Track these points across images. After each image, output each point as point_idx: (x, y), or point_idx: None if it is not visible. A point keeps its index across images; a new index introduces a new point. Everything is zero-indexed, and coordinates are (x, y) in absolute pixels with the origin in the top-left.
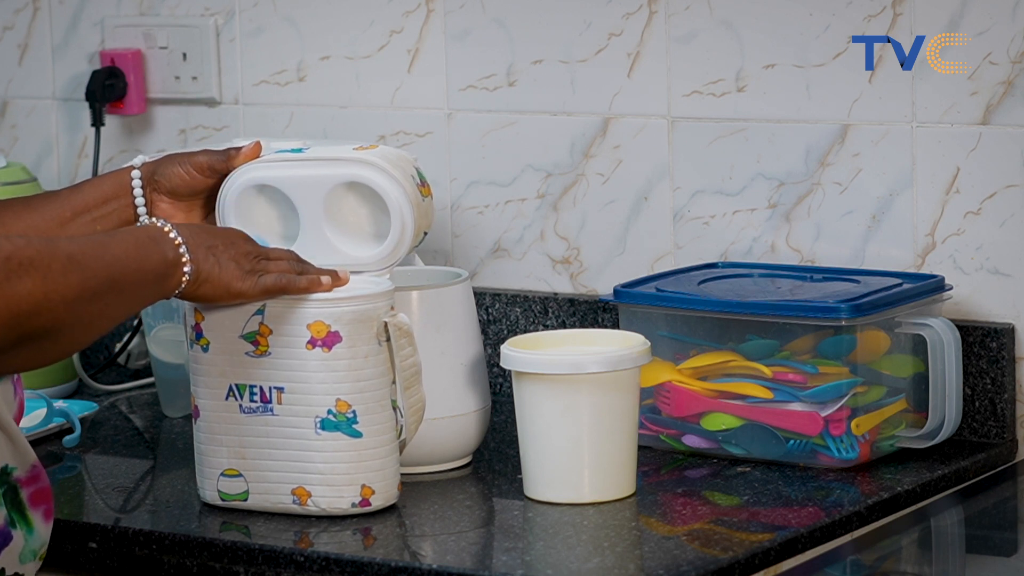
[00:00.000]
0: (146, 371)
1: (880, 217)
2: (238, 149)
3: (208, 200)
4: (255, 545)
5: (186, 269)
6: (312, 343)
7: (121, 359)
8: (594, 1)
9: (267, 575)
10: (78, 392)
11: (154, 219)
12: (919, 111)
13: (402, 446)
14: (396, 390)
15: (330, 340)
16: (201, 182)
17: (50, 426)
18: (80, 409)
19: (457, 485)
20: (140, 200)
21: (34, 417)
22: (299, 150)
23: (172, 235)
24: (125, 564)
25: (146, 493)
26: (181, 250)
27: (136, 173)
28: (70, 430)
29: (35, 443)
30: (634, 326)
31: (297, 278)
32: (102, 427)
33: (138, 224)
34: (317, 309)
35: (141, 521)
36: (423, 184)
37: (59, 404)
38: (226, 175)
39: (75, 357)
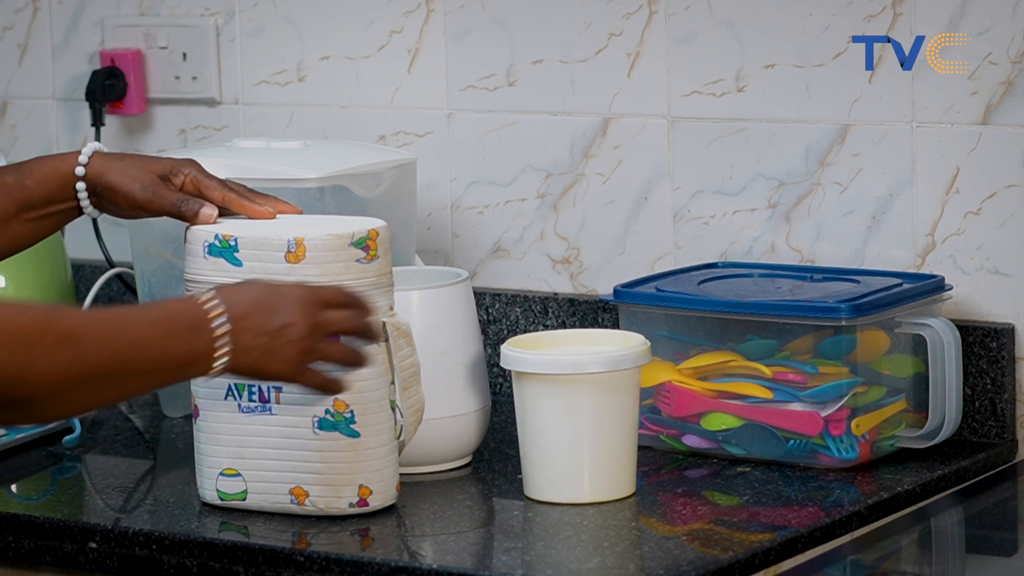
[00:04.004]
0: None
1: (880, 217)
2: (190, 204)
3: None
4: (255, 545)
5: (216, 364)
6: None
7: None
8: (594, 1)
9: (267, 575)
10: None
11: (202, 294)
12: (919, 111)
13: (401, 447)
14: (395, 390)
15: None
16: (142, 215)
17: (50, 426)
18: None
19: (457, 485)
20: (86, 205)
21: None
22: (232, 249)
23: (215, 323)
24: (125, 564)
25: (146, 493)
26: (217, 344)
27: (81, 186)
28: (70, 430)
29: (35, 443)
30: (634, 326)
31: (332, 383)
32: (102, 427)
33: (182, 295)
34: None
35: (141, 521)
36: (368, 250)
37: None
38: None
39: None
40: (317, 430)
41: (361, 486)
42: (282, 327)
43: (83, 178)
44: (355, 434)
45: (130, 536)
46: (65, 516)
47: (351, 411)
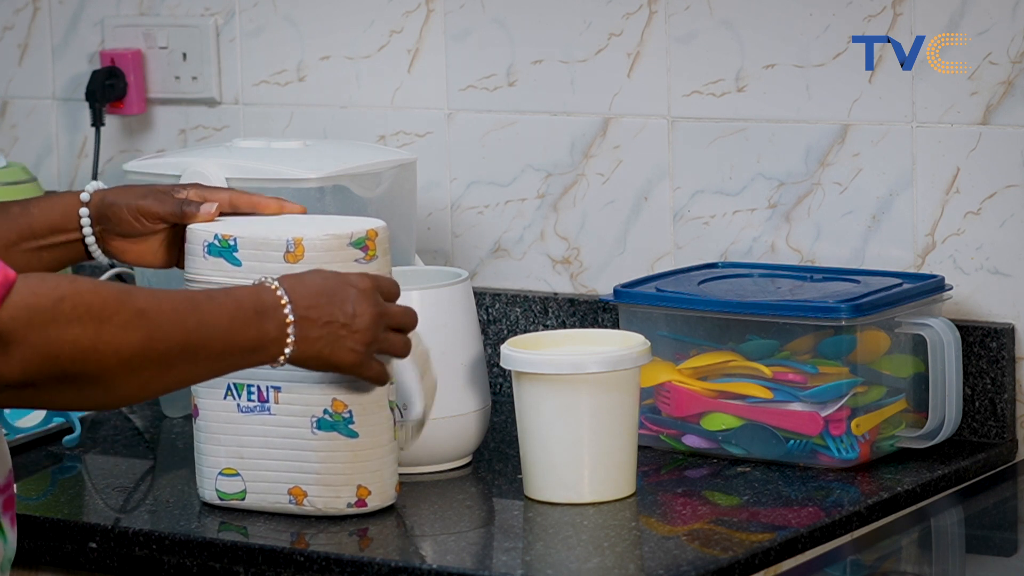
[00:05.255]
0: None
1: (880, 217)
2: (192, 205)
3: (163, 234)
4: (255, 545)
5: (287, 351)
6: None
7: None
8: (594, 1)
9: (267, 575)
10: None
11: (267, 280)
12: (919, 111)
13: (421, 426)
14: (394, 390)
15: None
16: (151, 228)
17: (50, 426)
18: None
19: (457, 485)
20: (90, 239)
21: (34, 417)
22: (232, 249)
23: (285, 310)
24: (125, 564)
25: (146, 493)
26: (288, 330)
27: (84, 211)
28: (70, 430)
29: (35, 443)
30: (634, 326)
31: (386, 375)
32: (102, 427)
33: (253, 283)
34: None
35: (141, 521)
36: (367, 250)
37: None
38: (179, 223)
39: None
40: (315, 430)
41: (359, 486)
42: (350, 317)
43: (87, 204)
44: (353, 434)
45: (130, 536)
46: (65, 516)
47: (349, 411)
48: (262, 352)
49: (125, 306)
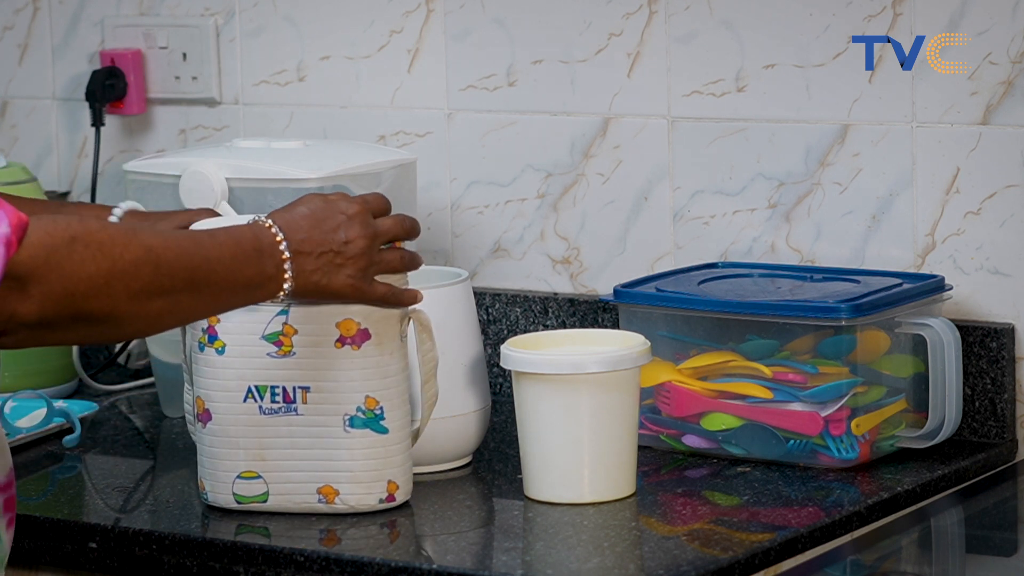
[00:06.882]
0: (146, 371)
1: (880, 217)
2: None
3: None
4: (254, 545)
5: (285, 286)
6: (341, 341)
7: (121, 359)
8: (594, 1)
9: (267, 575)
10: (78, 392)
11: (260, 218)
12: (919, 111)
13: (416, 437)
14: (412, 385)
15: (359, 338)
16: None
17: (50, 426)
18: (80, 409)
19: (457, 485)
20: None
21: (34, 417)
22: None
23: (281, 247)
24: (125, 564)
25: (146, 493)
26: (285, 266)
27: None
28: (70, 430)
29: (35, 443)
30: (634, 326)
31: (401, 292)
32: (102, 427)
33: (247, 222)
34: (346, 307)
35: (141, 521)
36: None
37: (59, 404)
38: None
39: (75, 357)
40: (348, 428)
41: (389, 481)
42: (343, 244)
43: (120, 219)
44: (384, 430)
45: (130, 536)
46: (65, 516)
47: (381, 408)
48: (262, 289)
49: (133, 243)
